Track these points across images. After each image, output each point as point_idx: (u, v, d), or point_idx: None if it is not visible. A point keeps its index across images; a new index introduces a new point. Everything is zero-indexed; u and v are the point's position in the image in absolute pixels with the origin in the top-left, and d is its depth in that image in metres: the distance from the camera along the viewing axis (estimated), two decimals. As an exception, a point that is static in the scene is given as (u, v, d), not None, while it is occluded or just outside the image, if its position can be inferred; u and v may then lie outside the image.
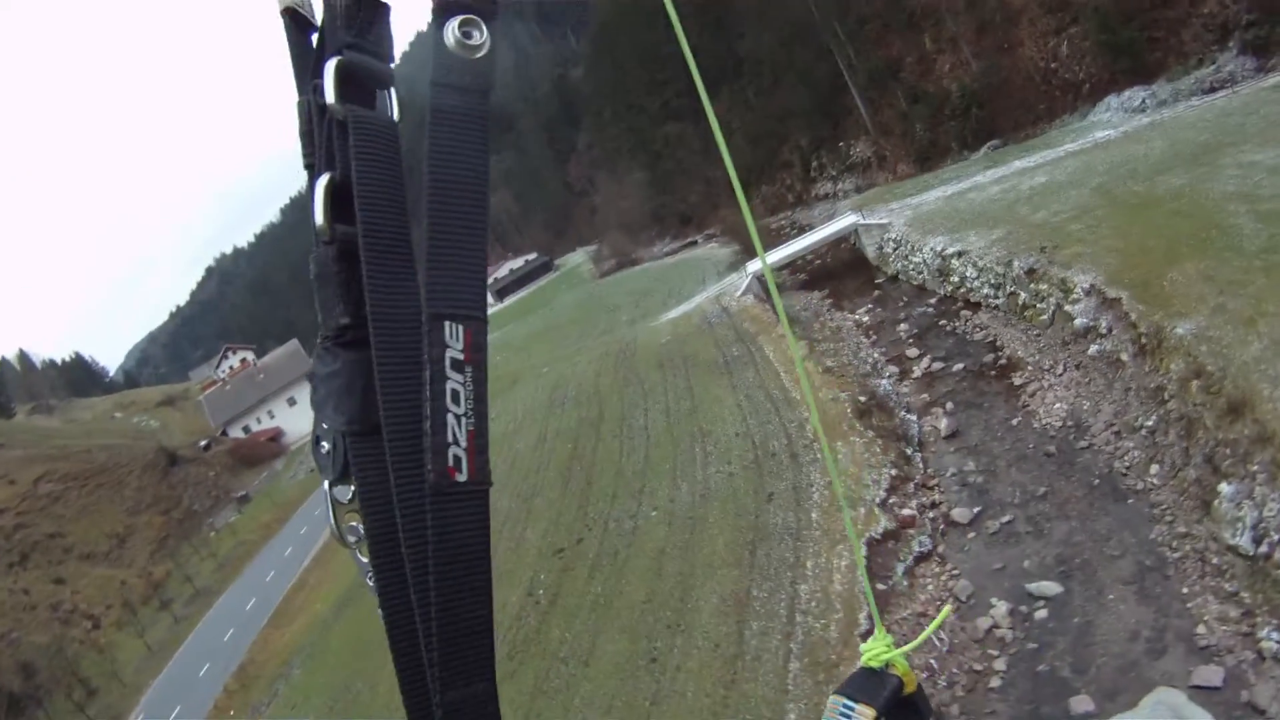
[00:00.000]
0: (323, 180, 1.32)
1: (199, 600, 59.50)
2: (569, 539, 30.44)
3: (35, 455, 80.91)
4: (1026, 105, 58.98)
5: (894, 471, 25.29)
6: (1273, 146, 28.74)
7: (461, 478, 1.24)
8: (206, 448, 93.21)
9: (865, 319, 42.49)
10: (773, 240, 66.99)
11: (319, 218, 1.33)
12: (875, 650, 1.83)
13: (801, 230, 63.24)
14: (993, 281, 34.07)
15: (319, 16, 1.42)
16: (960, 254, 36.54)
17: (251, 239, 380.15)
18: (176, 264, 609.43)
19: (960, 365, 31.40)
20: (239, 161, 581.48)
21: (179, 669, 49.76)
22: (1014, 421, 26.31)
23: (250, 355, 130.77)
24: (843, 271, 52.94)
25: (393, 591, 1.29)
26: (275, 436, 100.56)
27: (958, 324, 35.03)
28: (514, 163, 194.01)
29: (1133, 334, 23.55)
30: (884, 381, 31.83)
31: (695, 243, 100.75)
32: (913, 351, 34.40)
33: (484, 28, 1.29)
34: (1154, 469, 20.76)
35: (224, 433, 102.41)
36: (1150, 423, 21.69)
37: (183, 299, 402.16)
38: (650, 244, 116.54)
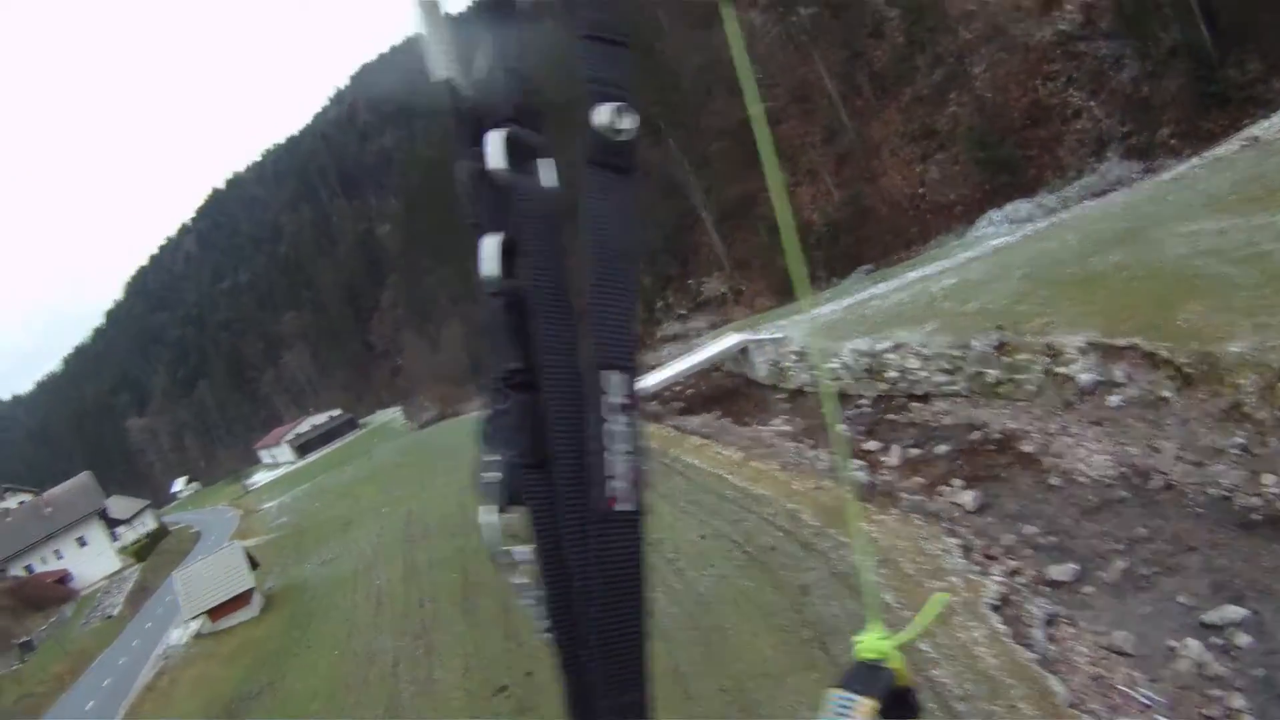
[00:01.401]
0: (494, 240, 1.45)
1: None
2: (509, 674, 25.09)
3: None
4: (896, 230, 59.47)
5: (954, 540, 21.79)
6: (1206, 219, 28.36)
7: (622, 507, 1.36)
8: None
9: (787, 428, 39.10)
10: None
11: (491, 272, 1.45)
12: (870, 643, 1.82)
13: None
14: (946, 368, 31.84)
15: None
16: (896, 348, 34.28)
17: (31, 386, 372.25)
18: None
19: (945, 448, 28.32)
20: (9, 324, 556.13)
21: None
22: (1053, 482, 23.46)
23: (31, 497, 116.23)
24: (726, 395, 50.19)
25: (558, 607, 1.42)
26: (63, 579, 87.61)
27: (911, 415, 32.16)
28: (311, 321, 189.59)
29: (1169, 370, 22.43)
30: (858, 473, 28.24)
31: None
32: (871, 445, 31.07)
33: (633, 115, 1.41)
34: (1268, 479, 19.24)
35: (2, 572, 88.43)
36: (1239, 439, 20.28)
37: None
38: (470, 397, 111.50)
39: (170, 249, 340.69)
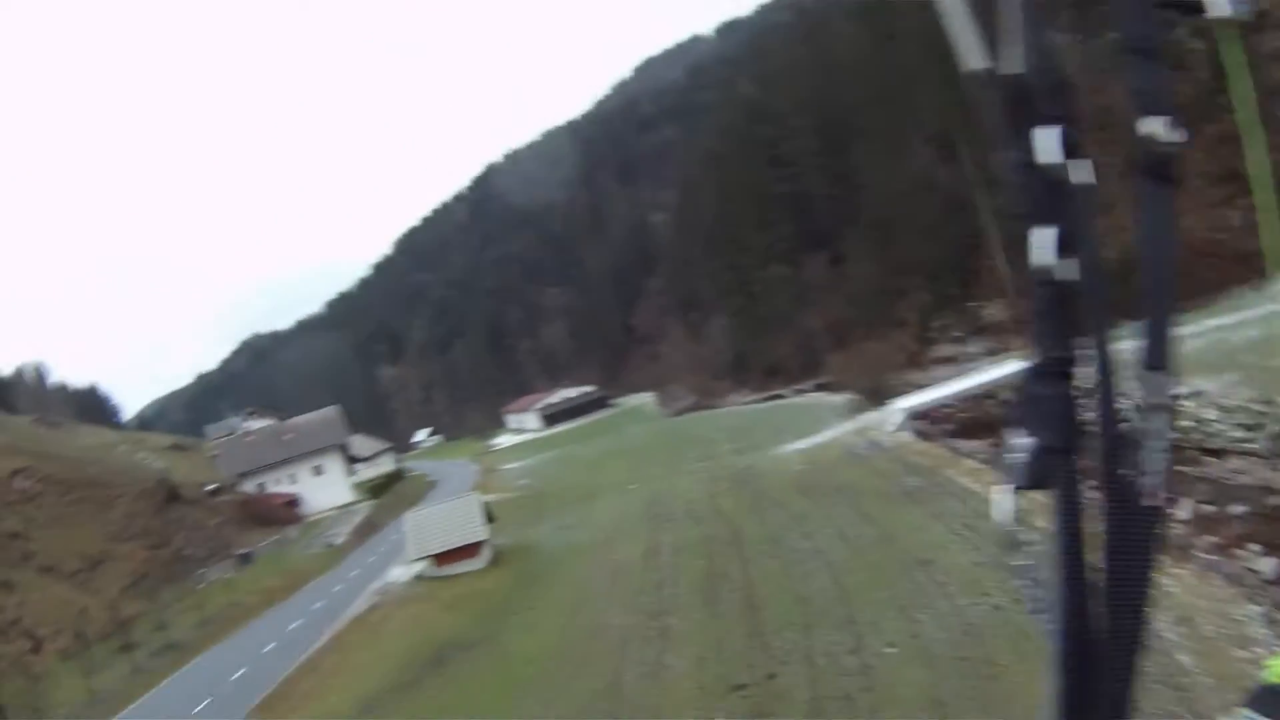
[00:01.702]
0: (1050, 231, 1.53)
1: (170, 654, 47.36)
2: (749, 673, 23.70)
3: (20, 448, 71.21)
4: (1190, 274, 53.85)
5: (1256, 608, 20.16)
6: None
7: (1149, 502, 1.41)
8: (214, 493, 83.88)
9: None
10: (885, 394, 63.03)
11: (1045, 261, 1.53)
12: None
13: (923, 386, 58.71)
14: (1245, 423, 30.08)
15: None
16: (1195, 395, 31.90)
17: (291, 324, 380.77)
18: (208, 337, 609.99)
19: (1240, 509, 26.38)
20: (281, 263, 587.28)
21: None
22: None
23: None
24: (999, 425, 48.02)
25: (1070, 592, 1.44)
26: (293, 502, 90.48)
27: (1203, 469, 29.87)
28: (574, 298, 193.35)
29: None
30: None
31: (781, 395, 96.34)
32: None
33: (1181, 129, 1.47)
34: None
35: (235, 486, 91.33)
36: None
37: (212, 366, 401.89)
38: (726, 393, 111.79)
39: (442, 214, 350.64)
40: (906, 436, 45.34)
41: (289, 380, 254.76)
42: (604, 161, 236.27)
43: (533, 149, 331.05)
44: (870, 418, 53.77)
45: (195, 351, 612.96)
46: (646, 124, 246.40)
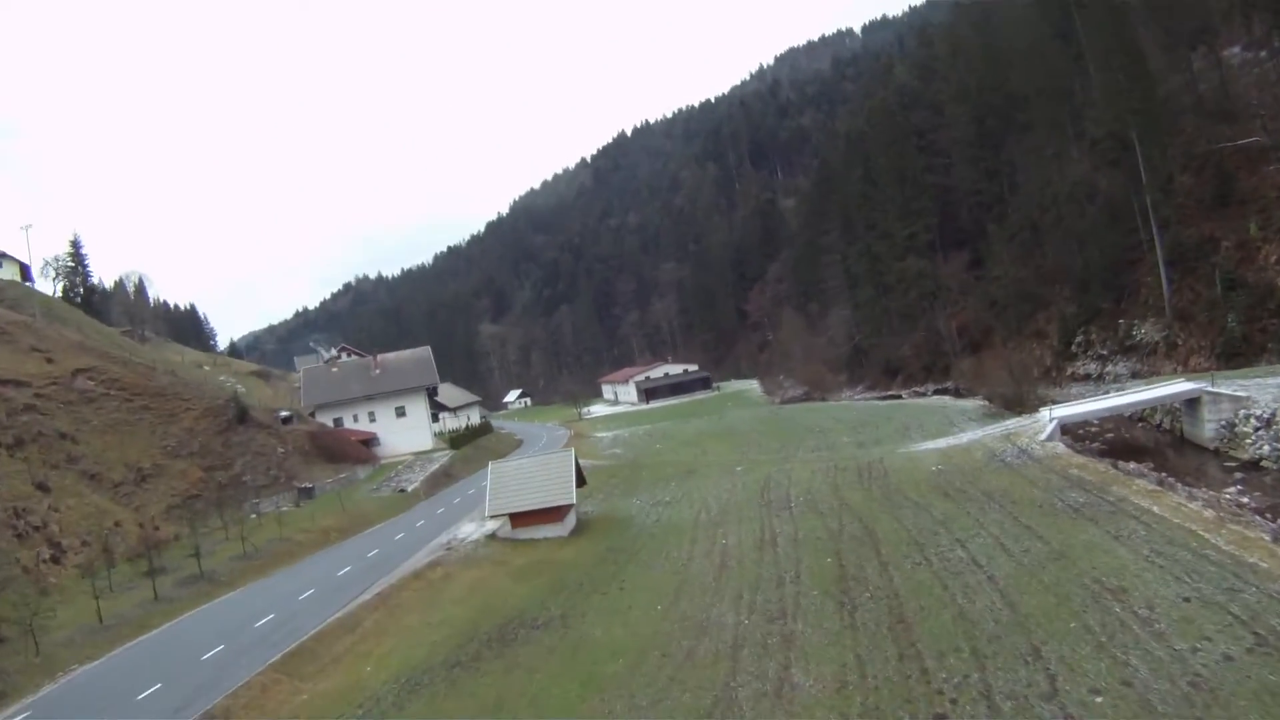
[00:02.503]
0: None
1: (197, 585, 41.94)
2: (907, 708, 18.07)
3: (90, 348, 68.57)
4: None
5: None
6: None
7: None
8: (286, 421, 78.90)
9: (1246, 500, 32.67)
10: (1021, 403, 60.97)
11: None
12: None
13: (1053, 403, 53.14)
14: None
15: None
16: None
17: (398, 272, 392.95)
18: (312, 277, 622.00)
19: None
20: (391, 215, 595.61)
21: (113, 672, 30.16)
22: None
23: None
24: (1149, 449, 45.16)
25: None
26: (368, 440, 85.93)
27: None
28: (689, 274, 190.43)
29: None
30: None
31: (898, 395, 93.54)
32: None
33: None
34: None
35: (313, 415, 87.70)
36: None
37: (312, 305, 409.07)
38: (839, 387, 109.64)
39: (566, 179, 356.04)
40: (1059, 448, 41.19)
41: (388, 325, 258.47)
42: (737, 141, 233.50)
43: (665, 124, 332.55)
44: (1014, 424, 50.05)
45: (299, 290, 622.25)
46: (786, 110, 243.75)
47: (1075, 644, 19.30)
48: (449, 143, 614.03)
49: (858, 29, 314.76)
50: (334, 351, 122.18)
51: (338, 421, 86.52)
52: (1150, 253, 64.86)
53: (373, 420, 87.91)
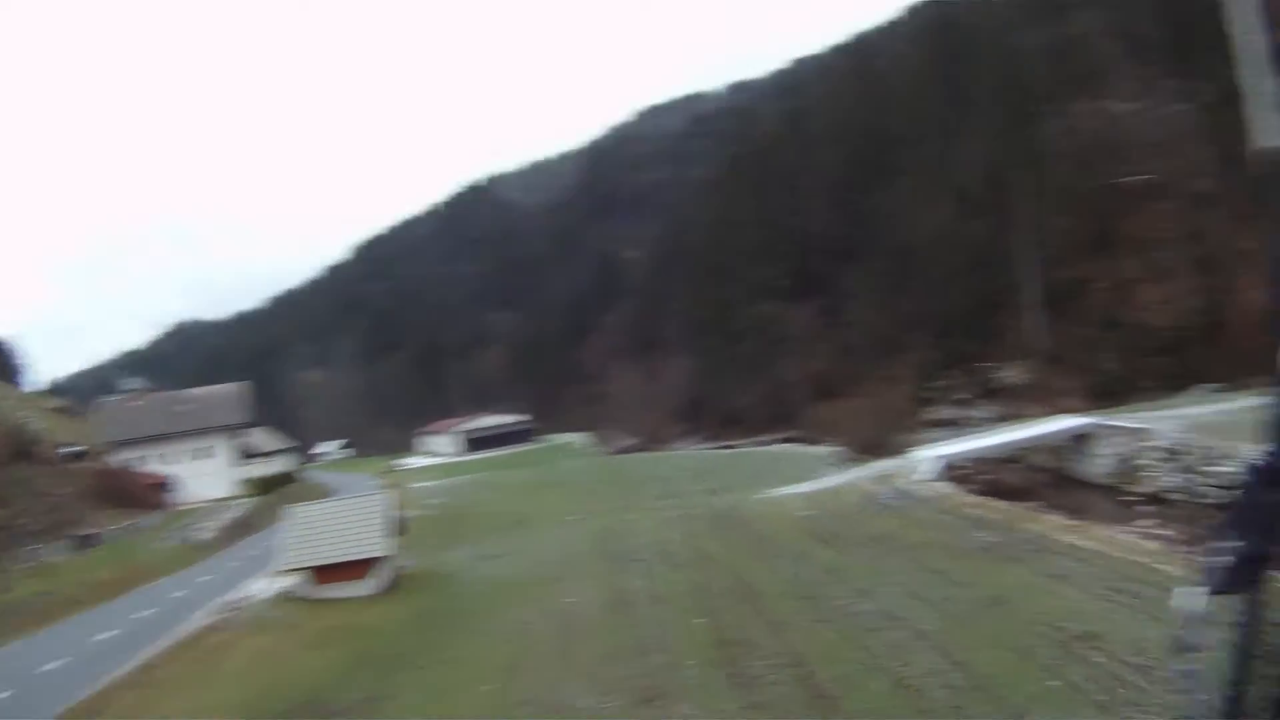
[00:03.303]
0: None
1: None
2: None
3: None
4: (1253, 353, 49.76)
5: None
6: None
7: None
8: (78, 456, 70.57)
9: (1162, 532, 28.60)
10: (882, 449, 56.20)
11: None
12: None
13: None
14: None
15: None
16: None
17: (229, 315, 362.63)
18: (143, 317, 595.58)
19: None
20: (227, 255, 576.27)
21: None
22: None
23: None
24: (1033, 488, 41.79)
25: (1238, 705, 1.37)
26: (162, 484, 77.04)
27: None
28: (522, 324, 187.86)
29: None
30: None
31: (736, 445, 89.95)
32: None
33: None
34: None
35: (109, 454, 77.87)
36: None
37: (142, 346, 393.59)
38: (674, 438, 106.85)
39: (411, 225, 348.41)
40: (946, 488, 37.93)
41: (215, 368, 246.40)
42: (585, 193, 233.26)
43: (516, 175, 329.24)
44: (886, 466, 46.28)
45: (127, 331, 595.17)
46: (638, 164, 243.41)
47: (1067, 708, 14.11)
48: (297, 181, 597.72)
49: (720, 89, 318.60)
50: (138, 385, 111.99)
51: (136, 462, 77.09)
52: (1017, 295, 64.64)
53: (172, 462, 79.44)
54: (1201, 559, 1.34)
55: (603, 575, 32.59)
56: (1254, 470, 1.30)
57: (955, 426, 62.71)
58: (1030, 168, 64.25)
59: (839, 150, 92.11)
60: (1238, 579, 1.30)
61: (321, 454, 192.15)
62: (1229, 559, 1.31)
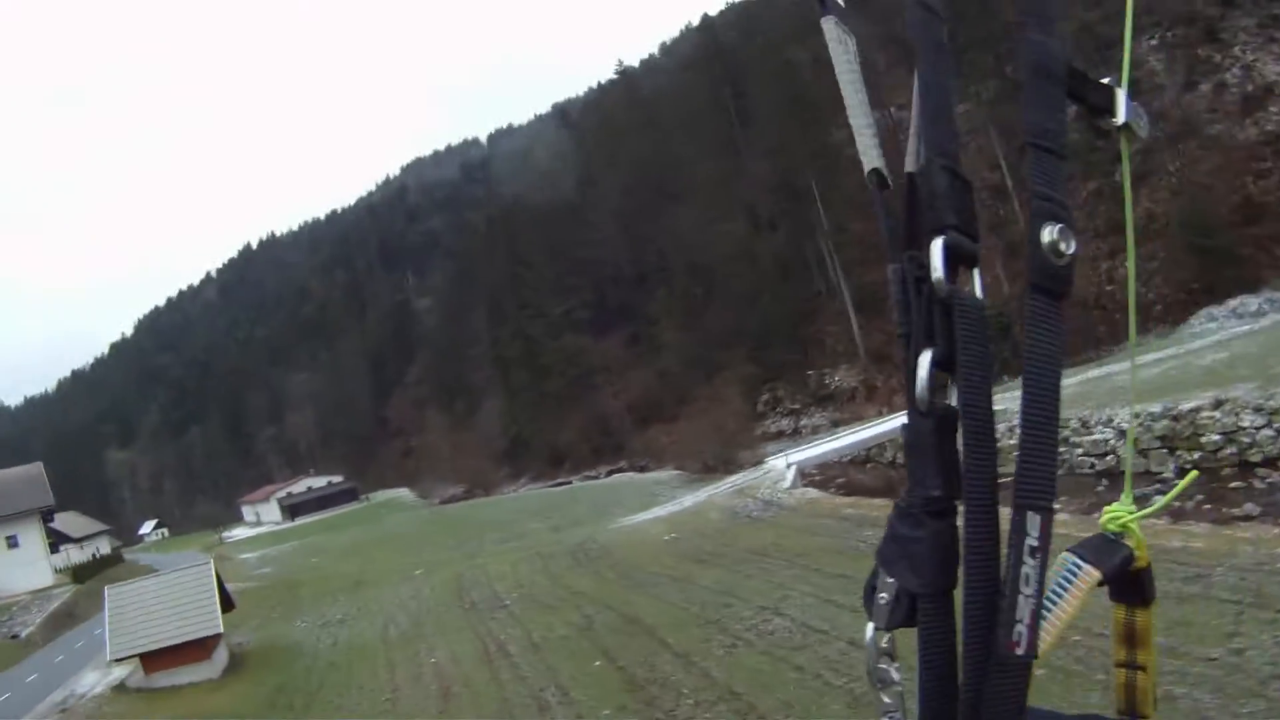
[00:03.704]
0: (927, 356, 1.27)
1: None
2: None
3: None
4: (1081, 330, 55.96)
5: None
6: None
7: (1020, 651, 1.26)
8: None
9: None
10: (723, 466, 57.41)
11: (923, 391, 1.26)
12: (1115, 514, 1.50)
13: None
14: None
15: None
16: (1218, 404, 25.83)
17: (20, 401, 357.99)
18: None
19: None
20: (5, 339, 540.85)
21: None
22: None
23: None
24: (890, 485, 39.31)
25: None
26: None
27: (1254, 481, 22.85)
28: (324, 385, 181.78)
29: None
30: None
31: (568, 482, 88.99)
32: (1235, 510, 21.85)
33: (1074, 238, 1.28)
34: None
35: None
36: None
37: None
38: (500, 482, 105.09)
39: (190, 295, 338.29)
40: (812, 492, 37.50)
41: (10, 458, 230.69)
42: (366, 248, 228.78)
43: (292, 236, 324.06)
44: (738, 480, 45.82)
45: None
46: (414, 214, 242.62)
47: (1061, 699, 13.01)
48: (67, 261, 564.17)
49: (483, 138, 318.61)
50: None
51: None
52: (831, 301, 65.27)
53: (-27, 556, 72.27)
54: (864, 599, 1.28)
55: (465, 627, 31.08)
56: (895, 507, 1.25)
57: (794, 436, 63.57)
58: (819, 177, 65.12)
59: (616, 178, 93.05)
60: (900, 615, 1.24)
61: (143, 535, 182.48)
62: (887, 598, 1.25)
